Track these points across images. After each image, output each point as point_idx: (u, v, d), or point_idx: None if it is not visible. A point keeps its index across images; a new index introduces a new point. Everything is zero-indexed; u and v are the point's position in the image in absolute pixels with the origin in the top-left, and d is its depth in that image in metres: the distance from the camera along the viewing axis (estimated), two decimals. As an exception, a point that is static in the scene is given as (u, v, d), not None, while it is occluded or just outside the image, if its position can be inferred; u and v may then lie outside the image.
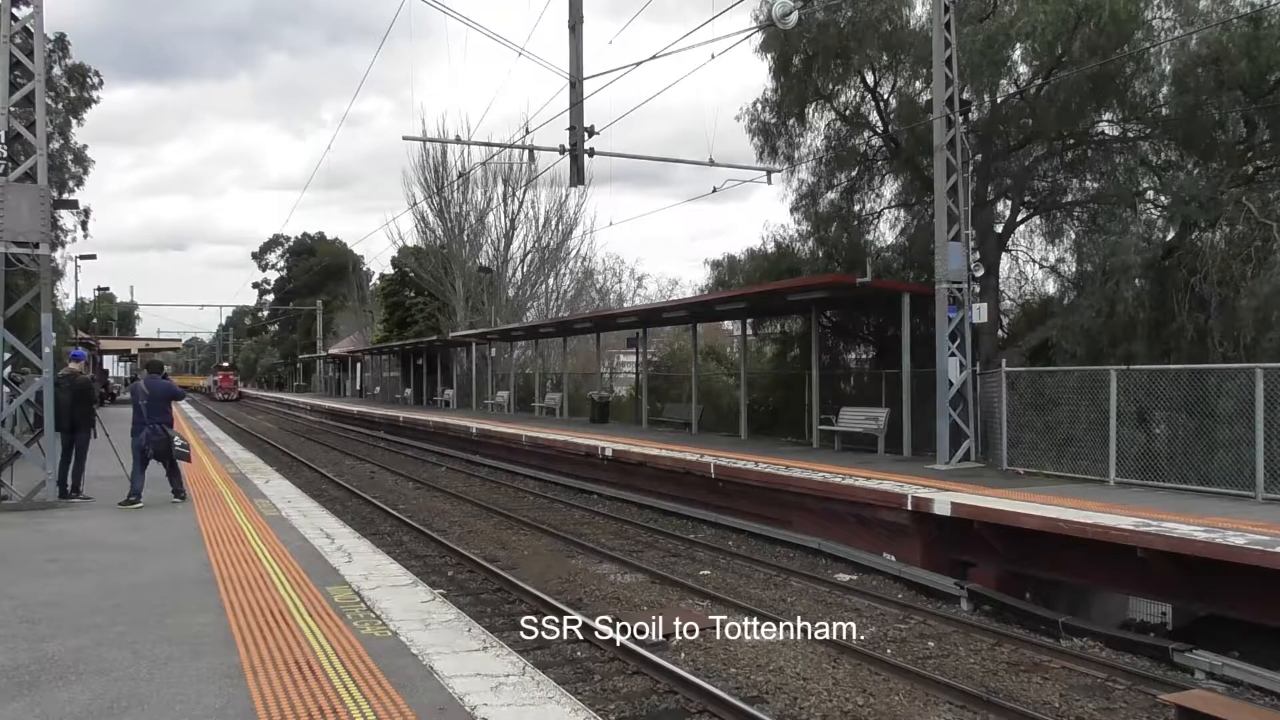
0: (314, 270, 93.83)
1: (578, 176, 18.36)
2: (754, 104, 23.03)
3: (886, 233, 23.54)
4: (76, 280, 50.74)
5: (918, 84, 20.55)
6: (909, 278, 20.49)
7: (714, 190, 21.51)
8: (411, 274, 51.38)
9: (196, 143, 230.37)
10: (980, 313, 15.90)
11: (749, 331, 25.73)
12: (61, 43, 33.01)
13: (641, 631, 9.34)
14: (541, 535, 15.12)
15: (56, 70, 32.39)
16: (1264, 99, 16.29)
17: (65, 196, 32.24)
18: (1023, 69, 19.14)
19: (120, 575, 8.18)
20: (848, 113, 22.32)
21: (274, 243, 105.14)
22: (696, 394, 25.64)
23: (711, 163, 20.01)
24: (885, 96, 21.67)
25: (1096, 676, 8.34)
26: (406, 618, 6.77)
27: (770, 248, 25.06)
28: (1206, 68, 16.30)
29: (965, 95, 16.93)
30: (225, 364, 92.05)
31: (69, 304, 50.85)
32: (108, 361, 64.46)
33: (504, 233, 46.29)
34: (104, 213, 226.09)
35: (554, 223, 45.97)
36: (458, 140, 37.27)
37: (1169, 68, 17.64)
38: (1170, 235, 17.48)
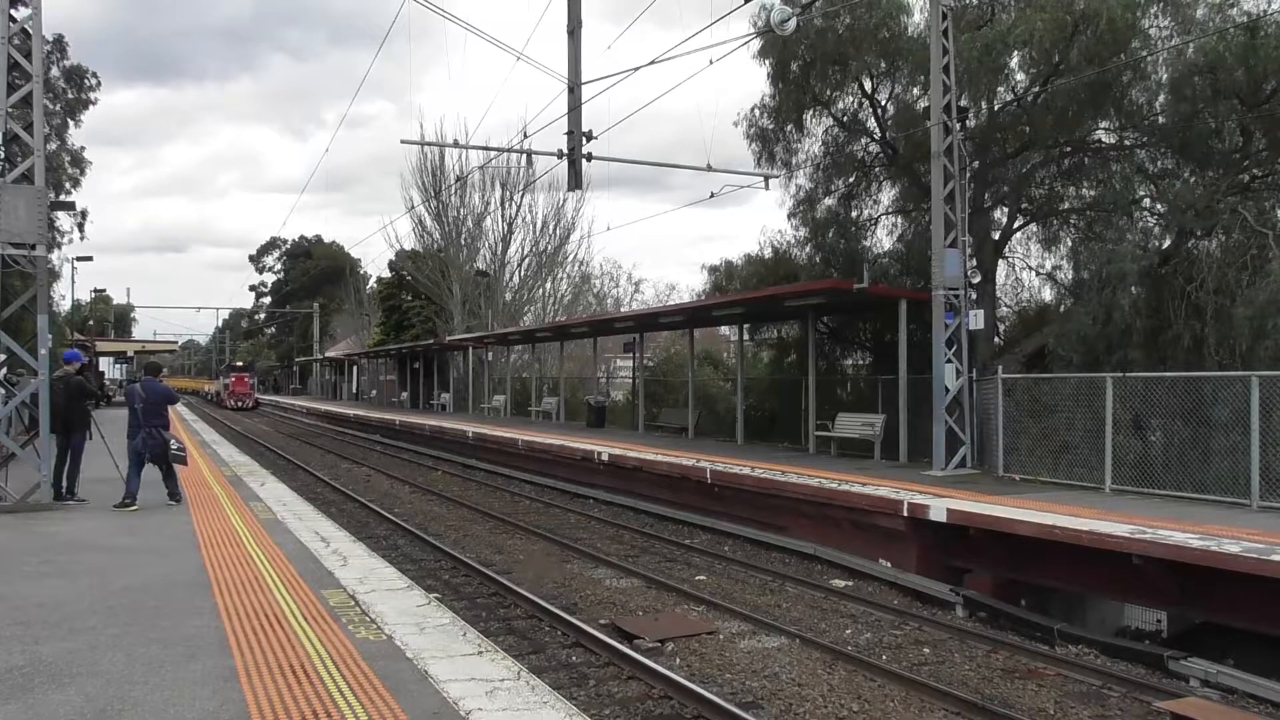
0: (311, 273, 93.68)
1: (575, 181, 18.38)
2: (752, 110, 23.13)
3: (884, 239, 23.62)
4: (73, 282, 50.79)
5: (915, 91, 20.60)
6: (906, 284, 20.52)
7: (712, 195, 21.52)
8: (409, 277, 51.36)
9: (197, 144, 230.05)
10: (977, 319, 15.92)
11: (746, 337, 25.75)
12: (60, 44, 33.00)
13: (637, 636, 9.34)
14: (537, 539, 15.10)
15: (54, 72, 32.36)
16: (1260, 108, 16.35)
17: (62, 198, 32.19)
18: (1020, 76, 19.22)
19: (115, 578, 8.15)
20: (845, 119, 22.38)
21: (271, 245, 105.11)
22: (693, 399, 25.65)
23: (709, 168, 20.03)
24: (883, 103, 21.74)
25: (1092, 684, 8.34)
26: (401, 621, 6.76)
27: (768, 253, 25.12)
28: (1203, 76, 16.36)
29: (963, 102, 16.97)
30: (239, 363, 79.40)
31: (65, 306, 50.78)
32: (103, 363, 64.32)
33: (501, 237, 46.32)
34: (103, 215, 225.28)
35: (551, 227, 46.00)
36: (456, 144, 37.28)
37: (1166, 76, 17.71)
38: (1167, 243, 17.53)
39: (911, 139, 19.34)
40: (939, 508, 11.68)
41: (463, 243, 46.42)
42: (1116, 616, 11.40)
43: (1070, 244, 20.90)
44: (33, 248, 12.15)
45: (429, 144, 41.21)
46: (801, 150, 23.05)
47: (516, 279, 47.14)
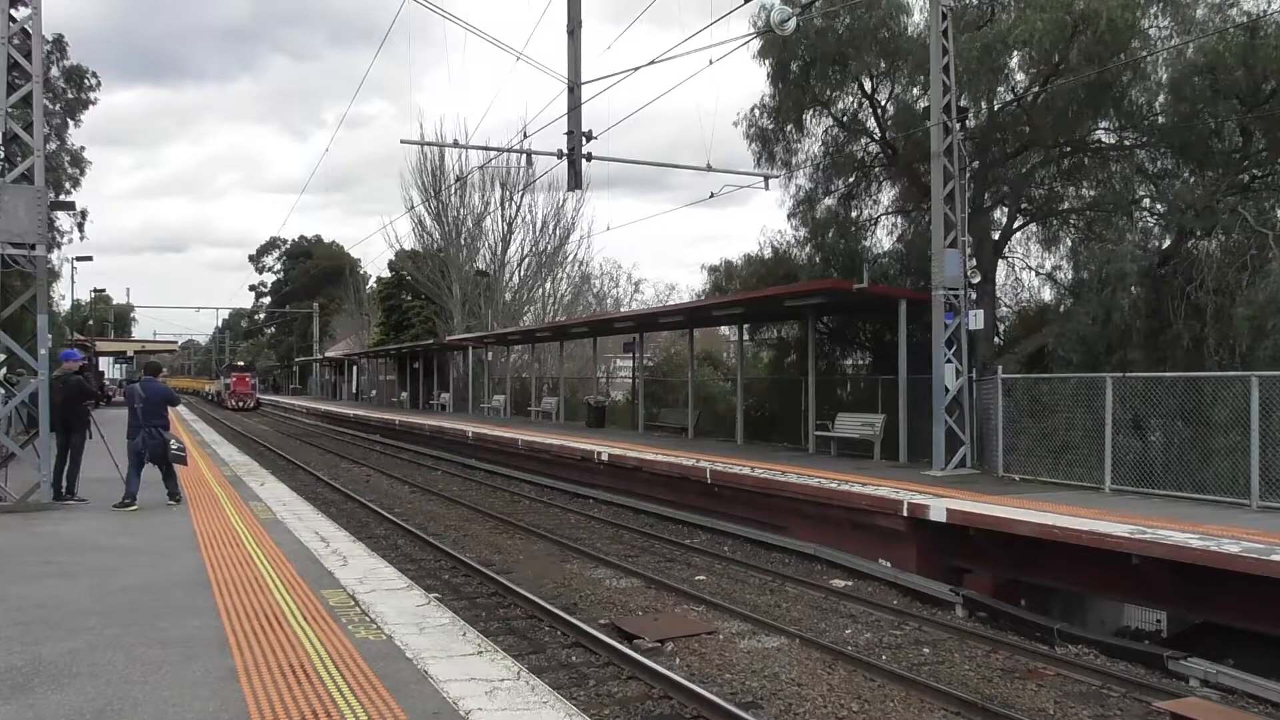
0: (311, 273, 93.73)
1: (575, 181, 18.39)
2: (752, 110, 23.12)
3: (884, 239, 23.63)
4: (73, 282, 50.80)
5: (915, 91, 20.60)
6: (906, 284, 20.51)
7: (712, 195, 21.49)
8: (409, 277, 51.36)
9: (197, 144, 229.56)
10: (977, 319, 15.92)
11: (746, 337, 25.76)
12: (59, 44, 33.03)
13: (636, 636, 9.34)
14: (537, 539, 15.10)
15: (54, 72, 32.38)
16: (1260, 108, 16.36)
17: (62, 198, 32.20)
18: (1020, 76, 19.23)
19: (114, 578, 8.15)
20: (845, 119, 22.38)
21: (271, 245, 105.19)
22: (693, 399, 25.65)
23: (709, 168, 20.04)
24: (883, 103, 21.73)
25: (1091, 684, 8.34)
26: (401, 621, 6.76)
27: (768, 253, 25.14)
28: (1203, 76, 16.36)
29: (963, 102, 16.96)
30: (240, 363, 77.74)
31: (65, 306, 50.81)
32: (103, 363, 64.26)
33: (501, 237, 46.34)
34: (103, 215, 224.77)
35: (551, 227, 46.02)
36: (455, 144, 37.27)
37: (1165, 76, 17.71)
38: (1166, 243, 17.56)
39: (911, 139, 19.34)
40: (939, 508, 11.68)
41: (463, 243, 46.43)
42: (1116, 616, 11.41)
43: (1070, 244, 20.91)
44: (32, 248, 12.15)
45: (429, 144, 41.24)
46: (801, 150, 23.09)
47: (516, 279, 47.16)
